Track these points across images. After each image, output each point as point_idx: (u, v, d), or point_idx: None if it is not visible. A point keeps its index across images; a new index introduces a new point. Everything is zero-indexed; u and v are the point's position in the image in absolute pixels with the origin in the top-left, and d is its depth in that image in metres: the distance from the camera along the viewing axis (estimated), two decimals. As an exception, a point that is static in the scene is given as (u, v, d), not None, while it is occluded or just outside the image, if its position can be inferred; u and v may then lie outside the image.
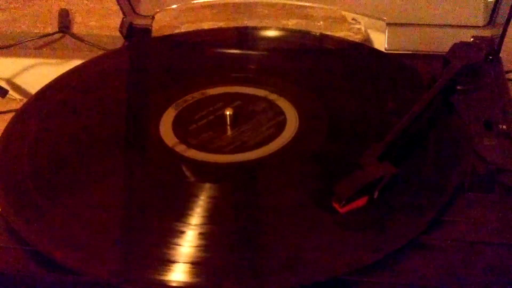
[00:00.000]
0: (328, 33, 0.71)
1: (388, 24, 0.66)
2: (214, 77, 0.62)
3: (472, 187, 0.45)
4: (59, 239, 0.42)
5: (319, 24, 0.75)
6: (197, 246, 0.41)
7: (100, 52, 0.74)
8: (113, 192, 0.48)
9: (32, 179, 0.48)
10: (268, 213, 0.44)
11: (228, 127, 0.53)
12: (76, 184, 0.48)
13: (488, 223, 0.42)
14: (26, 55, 0.83)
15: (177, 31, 0.75)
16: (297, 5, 0.77)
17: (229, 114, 0.54)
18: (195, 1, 0.76)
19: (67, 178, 0.49)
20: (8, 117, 0.56)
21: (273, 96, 0.57)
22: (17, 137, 0.53)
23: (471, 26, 0.64)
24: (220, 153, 0.50)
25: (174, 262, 0.39)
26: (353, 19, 0.76)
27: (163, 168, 0.50)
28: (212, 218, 0.43)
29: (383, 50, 0.66)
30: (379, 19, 0.67)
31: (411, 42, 0.65)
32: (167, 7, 0.73)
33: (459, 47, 0.58)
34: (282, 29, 0.71)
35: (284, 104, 0.56)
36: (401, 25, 0.66)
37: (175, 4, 0.74)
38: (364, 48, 0.68)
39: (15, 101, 0.77)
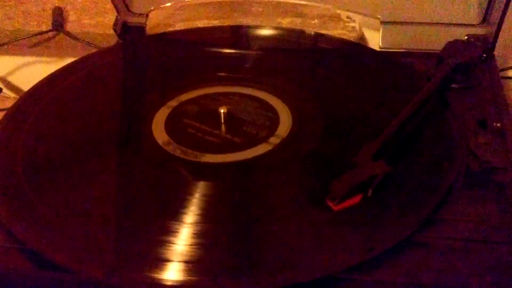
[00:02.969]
0: (323, 31, 0.71)
1: (383, 22, 0.66)
2: (208, 76, 0.62)
3: (466, 185, 0.45)
4: (53, 238, 0.42)
5: (313, 22, 0.75)
6: (191, 245, 0.41)
7: (94, 50, 0.74)
8: (107, 191, 0.47)
9: (25, 177, 0.48)
10: (262, 212, 0.44)
11: (222, 126, 0.53)
12: (70, 183, 0.48)
13: (482, 221, 0.42)
14: (19, 53, 0.83)
15: (171, 29, 0.75)
16: (291, 3, 0.77)
17: (223, 113, 0.53)
18: (189, -1, 0.76)
19: (61, 176, 0.48)
20: (1, 115, 0.56)
21: (267, 95, 0.57)
22: (10, 135, 0.53)
23: (465, 24, 0.64)
24: (214, 151, 0.50)
25: (168, 260, 0.39)
26: (347, 17, 0.76)
27: (157, 167, 0.50)
28: (206, 217, 0.43)
29: (377, 48, 0.66)
30: (374, 17, 0.67)
31: (405, 40, 0.65)
32: (161, 5, 0.73)
33: (454, 45, 0.58)
34: (277, 28, 0.71)
35: (278, 103, 0.56)
36: (396, 23, 0.66)
37: (169, 2, 0.74)
38: (358, 47, 0.68)
39: (9, 99, 0.76)
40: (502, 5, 0.59)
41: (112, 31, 0.71)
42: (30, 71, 0.84)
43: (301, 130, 0.52)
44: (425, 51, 0.64)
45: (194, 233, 0.41)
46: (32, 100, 0.58)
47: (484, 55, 0.61)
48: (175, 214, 0.43)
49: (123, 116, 0.57)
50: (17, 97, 0.75)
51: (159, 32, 0.73)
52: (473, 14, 0.64)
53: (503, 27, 0.61)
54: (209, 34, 0.72)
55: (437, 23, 0.65)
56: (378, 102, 0.56)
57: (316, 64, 0.64)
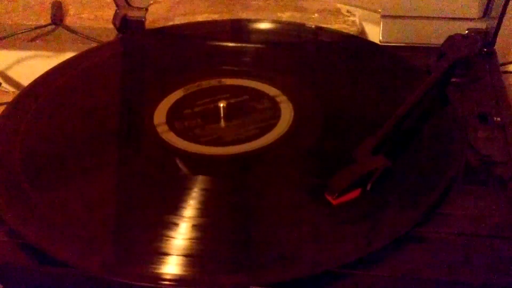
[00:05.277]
0: (323, 25, 0.71)
1: (383, 16, 0.66)
2: (208, 70, 0.61)
3: (466, 180, 0.45)
4: (52, 232, 0.42)
5: (313, 16, 0.75)
6: (190, 239, 0.41)
7: (94, 44, 0.74)
8: (106, 185, 0.47)
9: (24, 172, 0.47)
10: (261, 206, 0.44)
11: (222, 120, 0.53)
12: (69, 177, 0.48)
13: (483, 216, 0.42)
14: (19, 47, 0.83)
15: (170, 23, 0.75)
16: (291, -3, 0.77)
17: (223, 107, 0.53)
18: (188, -7, 0.76)
19: (59, 171, 0.48)
20: (1, 109, 0.56)
21: (267, 89, 0.57)
22: (9, 130, 0.53)
23: (466, 19, 0.64)
24: (214, 145, 0.50)
25: (167, 254, 0.39)
26: (347, 11, 0.76)
27: (157, 161, 0.50)
28: (205, 211, 0.43)
29: (377, 42, 0.66)
30: (374, 11, 0.67)
31: (406, 34, 0.65)
32: (161, -1, 0.73)
33: (454, 40, 0.58)
34: (277, 21, 0.71)
35: (278, 97, 0.56)
36: (396, 17, 0.66)
37: (169, -5, 0.74)
38: (358, 41, 0.68)
39: (8, 93, 0.76)
40: (503, 0, 0.59)
41: (111, 25, 0.71)
42: (29, 65, 0.84)
43: (301, 124, 0.52)
44: (426, 45, 0.64)
45: (193, 227, 0.41)
46: (32, 94, 0.58)
47: (485, 50, 0.61)
48: (174, 208, 0.43)
49: (123, 111, 0.57)
50: (17, 91, 0.75)
51: (158, 26, 0.73)
52: (473, 8, 0.64)
53: (503, 21, 0.61)
54: (209, 28, 0.71)
55: (438, 17, 0.64)
56: (378, 96, 0.56)
57: (316, 57, 0.64)
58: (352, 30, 0.73)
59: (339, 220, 0.42)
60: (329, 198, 0.42)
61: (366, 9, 0.69)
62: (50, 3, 0.81)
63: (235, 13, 0.76)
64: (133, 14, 0.72)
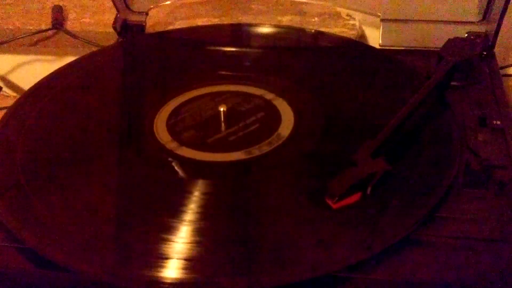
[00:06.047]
0: (323, 29, 0.71)
1: (383, 20, 0.66)
2: (208, 74, 0.62)
3: (466, 183, 0.45)
4: (51, 235, 0.42)
5: (313, 20, 0.75)
6: (190, 242, 0.41)
7: (94, 49, 0.74)
8: (106, 189, 0.47)
9: (25, 176, 0.47)
10: (261, 210, 0.44)
11: (223, 124, 0.53)
12: (70, 181, 0.48)
13: (482, 219, 0.42)
14: (19, 52, 0.83)
15: (171, 27, 0.75)
16: (291, 1, 0.77)
17: (223, 111, 0.53)
18: (189, -3, 0.76)
19: (60, 175, 0.48)
20: (2, 114, 0.56)
21: (268, 94, 0.57)
22: (10, 134, 0.53)
23: (465, 22, 0.64)
24: (214, 150, 0.50)
25: (167, 258, 0.39)
26: (347, 15, 0.76)
27: (157, 165, 0.50)
28: (205, 214, 0.43)
29: (377, 46, 0.66)
30: (374, 15, 0.67)
31: (405, 38, 0.65)
32: (161, 3, 0.73)
33: (454, 43, 0.58)
34: (277, 26, 0.71)
35: (279, 102, 0.56)
36: (396, 21, 0.66)
37: (169, 0, 0.73)
38: (358, 45, 0.68)
39: (9, 97, 0.76)
40: (502, 3, 0.59)
41: (112, 29, 0.71)
42: (30, 69, 0.84)
43: (301, 129, 0.52)
44: (425, 49, 0.64)
45: (193, 231, 0.41)
46: (33, 99, 0.58)
47: (484, 53, 0.61)
48: (174, 212, 0.43)
49: (124, 115, 0.57)
50: (17, 95, 0.75)
51: (159, 30, 0.74)
52: (473, 11, 0.64)
53: (503, 24, 0.61)
54: (209, 32, 0.72)
55: (437, 21, 0.65)
56: (378, 100, 0.56)
57: (316, 62, 0.64)
58: (352, 33, 0.73)
59: (339, 224, 0.42)
60: (329, 202, 0.42)
61: (366, 12, 0.69)
62: (50, 7, 0.81)
63: (235, 17, 0.77)
64: (133, 18, 0.72)
